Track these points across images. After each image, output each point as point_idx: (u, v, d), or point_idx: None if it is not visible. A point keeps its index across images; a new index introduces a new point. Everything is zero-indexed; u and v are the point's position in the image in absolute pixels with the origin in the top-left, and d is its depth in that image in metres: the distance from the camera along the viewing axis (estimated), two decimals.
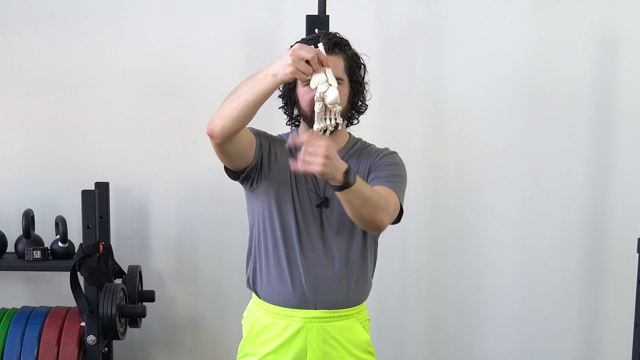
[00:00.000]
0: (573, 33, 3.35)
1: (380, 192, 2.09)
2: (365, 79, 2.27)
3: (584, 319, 3.50)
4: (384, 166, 2.22)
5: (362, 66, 2.23)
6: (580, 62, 3.37)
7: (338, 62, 2.14)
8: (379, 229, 2.11)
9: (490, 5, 3.35)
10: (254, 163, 2.20)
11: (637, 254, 2.88)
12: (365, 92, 2.27)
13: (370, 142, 2.35)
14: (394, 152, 2.30)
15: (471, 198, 3.44)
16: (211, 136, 2.10)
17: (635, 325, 2.87)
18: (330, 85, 1.95)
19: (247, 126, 2.13)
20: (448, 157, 3.42)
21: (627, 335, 3.05)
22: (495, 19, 3.36)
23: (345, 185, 1.95)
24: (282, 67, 1.91)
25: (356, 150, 2.27)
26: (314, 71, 1.93)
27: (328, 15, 2.98)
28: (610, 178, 3.42)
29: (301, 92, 2.17)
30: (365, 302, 2.37)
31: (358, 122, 2.33)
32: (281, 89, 2.27)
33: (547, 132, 3.40)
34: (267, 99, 1.99)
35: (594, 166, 3.41)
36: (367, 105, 2.30)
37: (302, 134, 2.27)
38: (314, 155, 1.89)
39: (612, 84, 3.37)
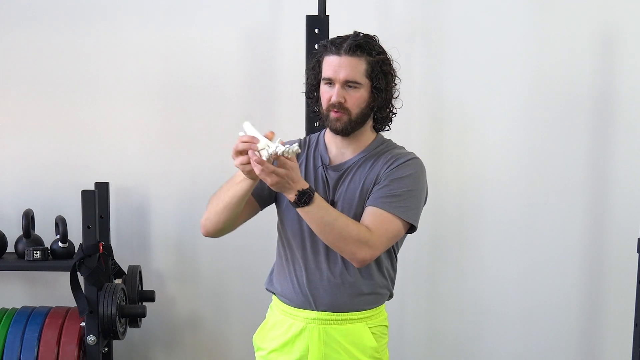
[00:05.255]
0: (573, 33, 3.35)
1: (354, 224, 2.06)
2: (396, 90, 2.21)
3: (584, 319, 3.50)
4: (388, 181, 2.14)
5: (391, 74, 2.18)
6: (580, 62, 3.37)
7: (358, 64, 2.11)
8: (354, 261, 2.09)
9: (490, 5, 3.36)
10: (264, 202, 2.28)
11: (637, 254, 2.89)
12: (391, 99, 2.21)
13: (398, 145, 2.27)
14: (408, 161, 2.18)
15: (471, 198, 3.44)
16: (210, 236, 2.21)
17: (635, 325, 2.87)
18: (269, 146, 1.93)
19: None
20: (448, 157, 3.42)
21: (627, 335, 3.05)
22: (495, 19, 3.36)
23: (297, 205, 2.01)
24: (239, 173, 2.03)
25: (376, 153, 2.21)
26: (254, 150, 1.93)
27: (328, 15, 2.98)
28: (610, 178, 3.42)
29: (322, 90, 2.17)
30: (384, 307, 2.32)
31: (389, 128, 2.27)
32: (305, 88, 2.26)
33: (547, 131, 3.40)
34: (245, 197, 2.08)
35: (594, 166, 3.42)
36: (394, 113, 2.24)
37: (328, 134, 2.25)
38: (275, 173, 1.95)
39: (612, 84, 3.37)
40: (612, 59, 3.37)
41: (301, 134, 3.00)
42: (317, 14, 2.99)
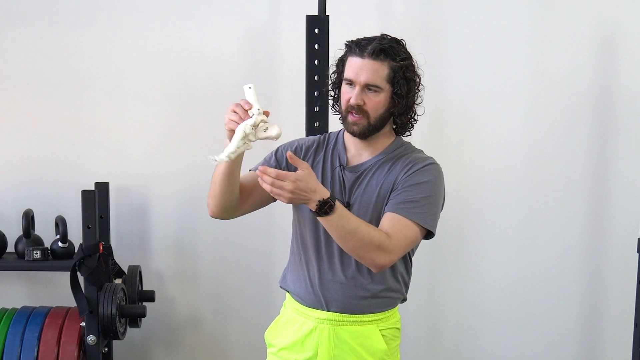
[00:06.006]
0: (573, 33, 3.35)
1: (374, 230, 2.05)
2: (418, 96, 2.19)
3: (584, 319, 3.50)
4: (405, 187, 2.12)
5: (414, 81, 2.16)
6: (580, 62, 3.37)
7: (380, 68, 2.09)
8: (373, 267, 2.08)
9: (490, 5, 3.36)
10: None
11: (637, 254, 2.89)
12: (412, 105, 2.18)
13: (417, 148, 2.26)
14: (427, 166, 2.17)
15: (471, 199, 3.44)
16: (215, 217, 2.22)
17: (635, 325, 2.87)
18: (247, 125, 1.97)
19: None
20: (448, 157, 3.40)
21: (627, 335, 3.05)
22: (496, 19, 3.36)
23: (318, 214, 2.00)
24: None
25: (394, 156, 2.20)
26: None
27: (328, 15, 2.98)
28: (610, 178, 3.42)
29: (343, 89, 2.16)
30: (397, 309, 2.31)
31: (410, 134, 2.25)
32: (329, 87, 2.24)
33: (547, 132, 3.40)
34: (235, 165, 2.07)
35: (594, 166, 3.42)
36: (415, 120, 2.22)
37: (347, 133, 2.23)
38: (282, 187, 1.94)
39: (612, 84, 3.37)
40: (612, 59, 3.36)
41: (301, 134, 3.00)
42: (317, 14, 2.99)
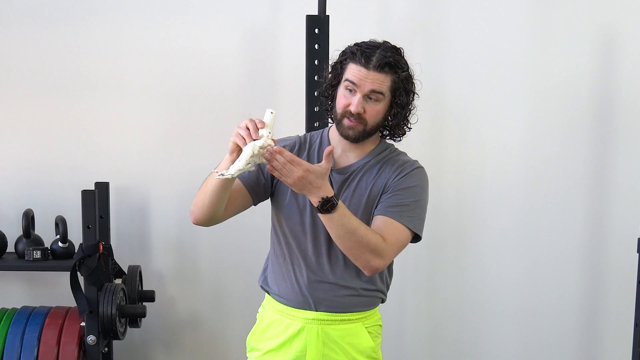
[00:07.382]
0: (573, 34, 3.35)
1: (373, 233, 2.07)
2: (413, 106, 2.21)
3: (584, 319, 3.50)
4: (396, 191, 2.16)
5: (412, 93, 2.18)
6: (580, 62, 3.37)
7: (384, 80, 2.10)
8: (367, 269, 2.11)
9: (490, 5, 3.36)
10: (258, 197, 2.24)
11: (637, 254, 2.89)
12: (407, 115, 2.20)
13: (401, 151, 2.28)
14: (415, 170, 2.21)
15: (471, 198, 3.44)
16: (198, 224, 2.20)
17: (635, 325, 2.87)
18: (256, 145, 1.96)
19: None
20: (447, 157, 3.42)
21: (627, 335, 3.05)
22: (496, 18, 3.36)
23: (319, 211, 2.01)
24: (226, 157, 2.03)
25: (382, 159, 2.22)
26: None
27: (328, 15, 2.98)
28: (610, 178, 3.42)
29: (340, 92, 2.15)
30: (378, 308, 2.33)
31: (400, 139, 2.26)
32: (324, 86, 2.23)
33: (546, 132, 3.40)
34: (232, 183, 2.07)
35: (594, 166, 3.42)
36: (409, 128, 2.24)
37: (333, 134, 2.24)
38: (291, 170, 1.95)
39: (612, 84, 3.37)
40: (612, 58, 3.36)
41: (301, 133, 3.00)
42: (317, 14, 2.99)
